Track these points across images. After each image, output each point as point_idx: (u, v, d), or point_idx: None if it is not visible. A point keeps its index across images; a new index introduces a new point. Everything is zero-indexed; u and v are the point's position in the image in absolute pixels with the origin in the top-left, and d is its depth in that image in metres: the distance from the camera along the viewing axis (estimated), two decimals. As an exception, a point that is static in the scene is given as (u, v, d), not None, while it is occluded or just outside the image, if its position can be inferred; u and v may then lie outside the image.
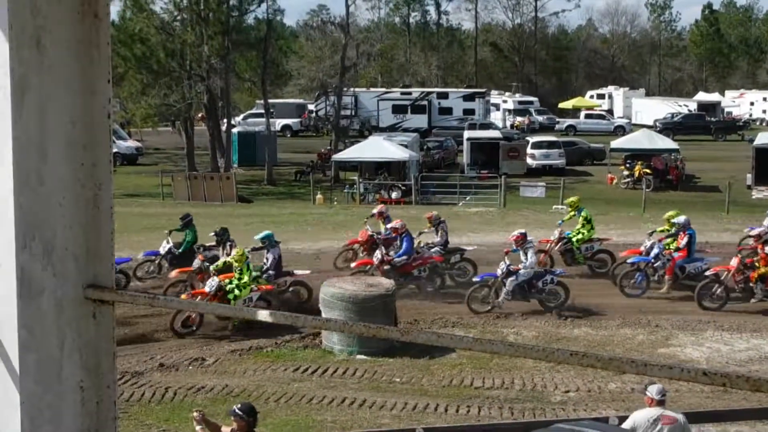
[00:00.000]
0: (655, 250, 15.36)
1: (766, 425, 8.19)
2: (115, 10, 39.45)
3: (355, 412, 10.43)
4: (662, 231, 16.35)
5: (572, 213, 17.01)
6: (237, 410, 7.06)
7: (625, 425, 7.46)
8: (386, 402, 10.69)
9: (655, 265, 15.26)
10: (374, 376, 11.72)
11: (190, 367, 12.11)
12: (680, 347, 13.08)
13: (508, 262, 14.18)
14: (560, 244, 16.47)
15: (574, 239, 16.50)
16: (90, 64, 1.55)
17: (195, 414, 7.21)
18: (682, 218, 15.91)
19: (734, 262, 14.66)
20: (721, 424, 9.73)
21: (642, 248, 15.93)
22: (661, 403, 7.54)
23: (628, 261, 15.83)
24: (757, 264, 14.58)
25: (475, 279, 14.95)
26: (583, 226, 16.52)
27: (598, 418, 9.01)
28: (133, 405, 10.70)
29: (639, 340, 13.37)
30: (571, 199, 17.61)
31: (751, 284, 14.53)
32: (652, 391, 7.52)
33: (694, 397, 10.53)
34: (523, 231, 14.85)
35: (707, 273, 14.89)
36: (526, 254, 14.20)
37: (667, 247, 15.48)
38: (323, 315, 13.20)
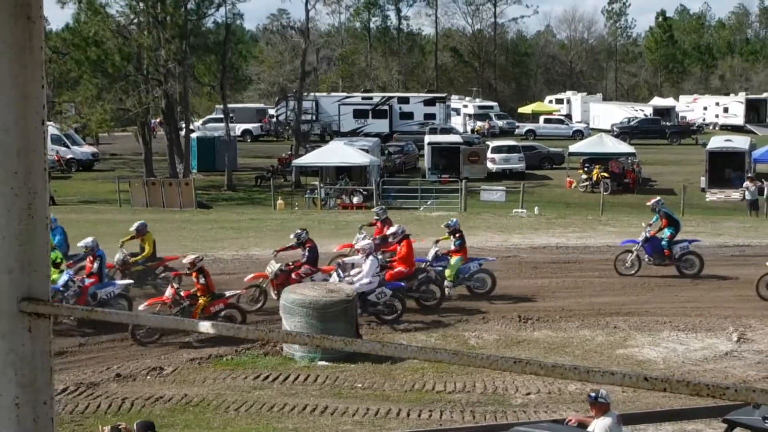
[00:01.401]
0: (64, 277, 13.75)
1: (721, 423, 8.35)
2: (69, 13, 38.81)
3: (317, 420, 10.36)
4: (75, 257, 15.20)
5: None
6: (136, 424, 7.54)
7: None
8: (348, 408, 10.64)
9: (66, 294, 13.59)
10: (336, 382, 11.66)
11: (148, 377, 11.89)
12: (638, 348, 13.30)
13: None
14: None
15: None
16: (23, 69, 1.49)
17: (105, 429, 7.17)
18: (89, 240, 14.28)
19: (169, 292, 13.43)
20: (677, 422, 9.91)
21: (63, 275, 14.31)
22: (609, 404, 7.65)
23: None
24: (197, 293, 13.39)
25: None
26: None
27: (556, 420, 9.11)
28: (89, 417, 10.46)
29: (598, 342, 13.55)
30: None
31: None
32: (605, 395, 7.59)
33: (651, 397, 10.69)
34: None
35: (141, 307, 13.17)
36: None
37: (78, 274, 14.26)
38: (284, 321, 13.11)
